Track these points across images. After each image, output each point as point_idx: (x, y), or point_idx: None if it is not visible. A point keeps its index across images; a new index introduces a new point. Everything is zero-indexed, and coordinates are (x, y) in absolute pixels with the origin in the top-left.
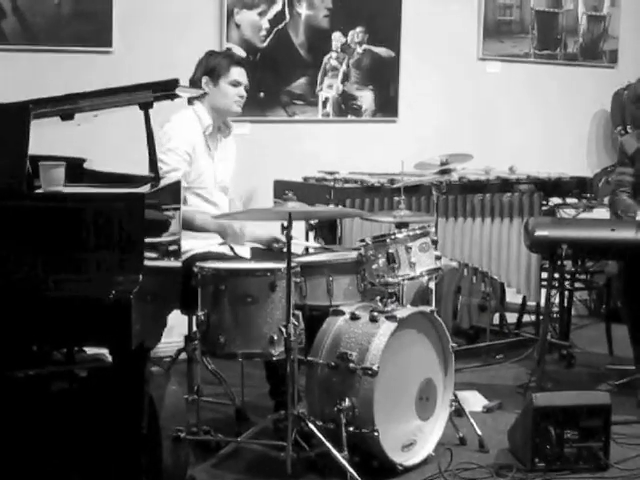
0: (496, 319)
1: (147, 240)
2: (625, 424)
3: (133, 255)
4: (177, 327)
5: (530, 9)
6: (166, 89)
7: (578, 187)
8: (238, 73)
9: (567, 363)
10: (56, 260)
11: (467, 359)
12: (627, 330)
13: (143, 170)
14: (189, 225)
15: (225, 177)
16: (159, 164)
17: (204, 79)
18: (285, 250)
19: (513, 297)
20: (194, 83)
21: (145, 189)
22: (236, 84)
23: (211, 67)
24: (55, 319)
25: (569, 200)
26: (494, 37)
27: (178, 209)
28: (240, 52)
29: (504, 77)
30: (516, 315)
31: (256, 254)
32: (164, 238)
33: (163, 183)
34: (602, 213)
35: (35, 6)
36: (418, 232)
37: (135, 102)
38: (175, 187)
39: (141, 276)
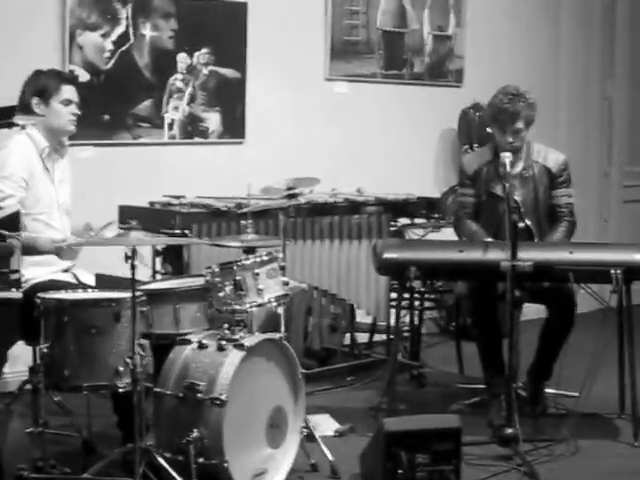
0: (347, 340)
1: None
2: (476, 444)
3: None
4: (22, 356)
5: (376, 29)
6: (4, 117)
7: (426, 207)
8: (69, 91)
9: (418, 383)
10: None
11: (319, 382)
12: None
13: None
14: (30, 250)
15: (67, 199)
16: None
17: (34, 100)
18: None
19: (364, 317)
20: (24, 105)
21: None
22: (68, 102)
23: (40, 87)
24: None
25: (417, 220)
26: (341, 57)
27: (18, 238)
28: (84, 74)
29: (352, 98)
30: (367, 335)
31: (101, 283)
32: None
33: (1, 214)
34: (450, 233)
35: None
36: (265, 258)
37: None
38: (14, 216)
39: None
